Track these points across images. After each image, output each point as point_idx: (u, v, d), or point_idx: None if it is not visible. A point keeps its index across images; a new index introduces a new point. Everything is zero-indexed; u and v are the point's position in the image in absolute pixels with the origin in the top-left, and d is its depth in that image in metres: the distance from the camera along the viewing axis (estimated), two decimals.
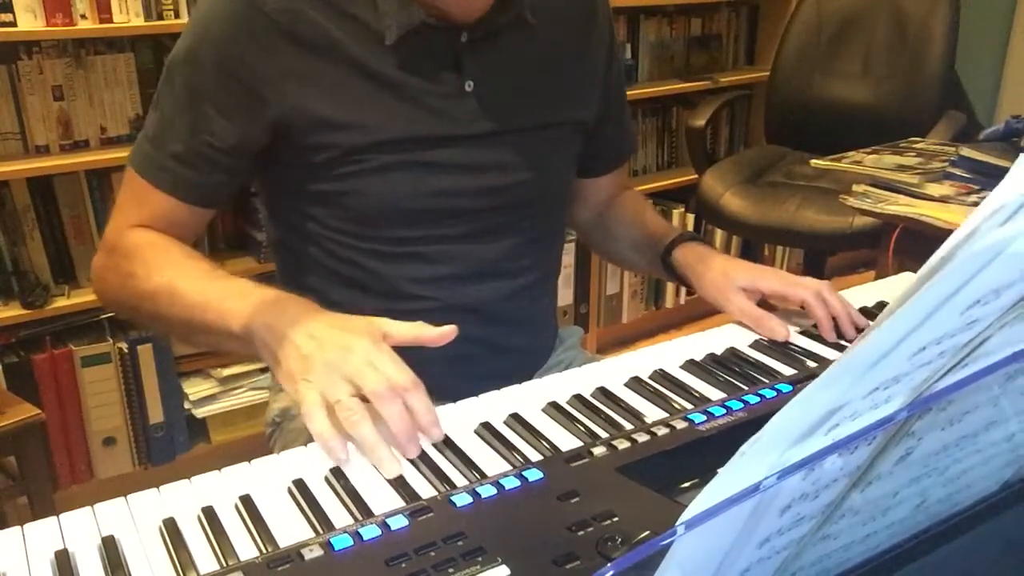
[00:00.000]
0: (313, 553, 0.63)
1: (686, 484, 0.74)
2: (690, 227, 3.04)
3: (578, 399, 0.86)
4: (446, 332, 0.82)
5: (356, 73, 0.95)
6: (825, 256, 2.74)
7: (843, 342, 0.99)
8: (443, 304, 1.04)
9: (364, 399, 0.77)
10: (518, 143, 1.03)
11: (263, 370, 2.27)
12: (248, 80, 0.94)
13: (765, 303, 1.05)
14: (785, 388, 0.87)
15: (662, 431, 0.78)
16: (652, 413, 0.84)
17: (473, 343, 1.06)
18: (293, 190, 1.02)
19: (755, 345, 0.98)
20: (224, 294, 0.88)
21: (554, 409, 0.84)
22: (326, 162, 0.97)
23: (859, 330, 1.01)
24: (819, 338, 1.00)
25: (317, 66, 0.94)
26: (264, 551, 0.64)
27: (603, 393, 0.87)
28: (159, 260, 0.94)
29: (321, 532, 0.66)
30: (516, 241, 1.07)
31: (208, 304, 0.88)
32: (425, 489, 0.72)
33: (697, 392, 0.87)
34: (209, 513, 0.69)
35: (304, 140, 0.96)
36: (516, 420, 0.82)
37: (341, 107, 0.95)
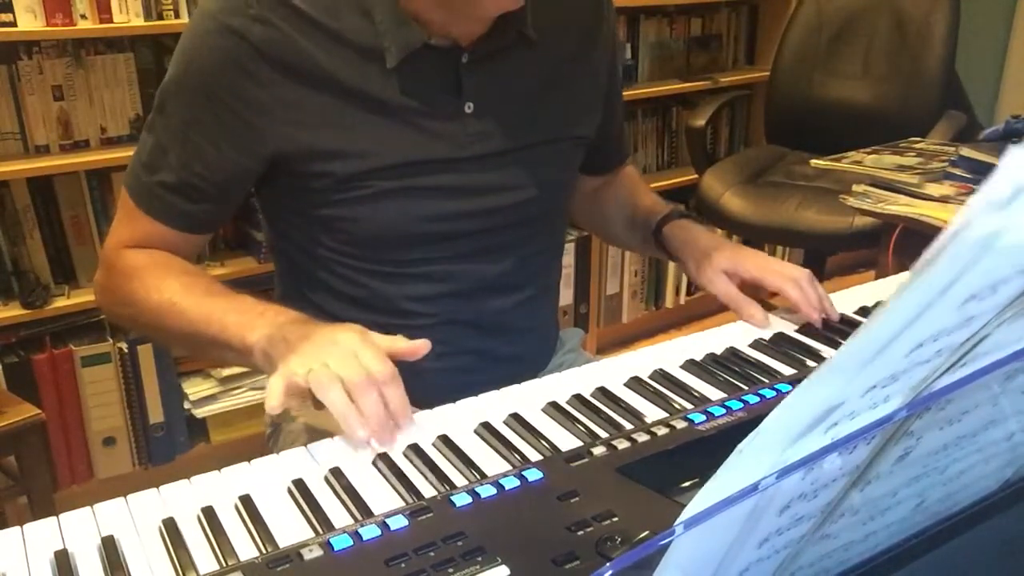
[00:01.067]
0: (313, 553, 0.63)
1: (686, 484, 0.74)
2: None
3: (578, 399, 0.86)
4: (418, 347, 0.84)
5: (350, 100, 0.93)
6: (825, 256, 2.74)
7: (843, 342, 0.99)
8: (443, 320, 1.04)
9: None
10: (519, 163, 1.02)
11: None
12: (240, 111, 0.93)
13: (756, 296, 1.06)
14: (785, 388, 0.87)
15: (662, 431, 0.79)
16: (652, 413, 0.84)
17: (474, 355, 1.06)
18: (291, 212, 1.02)
19: (755, 345, 0.98)
20: (224, 309, 0.90)
21: (554, 409, 0.84)
22: (323, 189, 0.96)
23: (830, 322, 1.02)
24: (819, 337, 0.99)
25: (309, 95, 0.92)
26: (264, 551, 0.65)
27: (603, 393, 0.87)
28: (158, 279, 0.96)
29: (321, 532, 0.66)
30: (517, 258, 1.06)
31: (210, 319, 0.90)
32: (425, 489, 0.72)
33: (697, 392, 0.87)
34: (209, 513, 0.69)
35: (300, 168, 0.95)
36: (516, 420, 0.82)
37: (336, 135, 0.94)
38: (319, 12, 0.91)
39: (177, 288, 0.94)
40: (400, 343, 0.83)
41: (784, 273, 1.03)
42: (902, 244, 1.55)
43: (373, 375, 0.78)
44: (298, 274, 1.07)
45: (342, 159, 0.94)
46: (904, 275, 1.21)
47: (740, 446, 0.36)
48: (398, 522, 0.66)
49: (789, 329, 1.02)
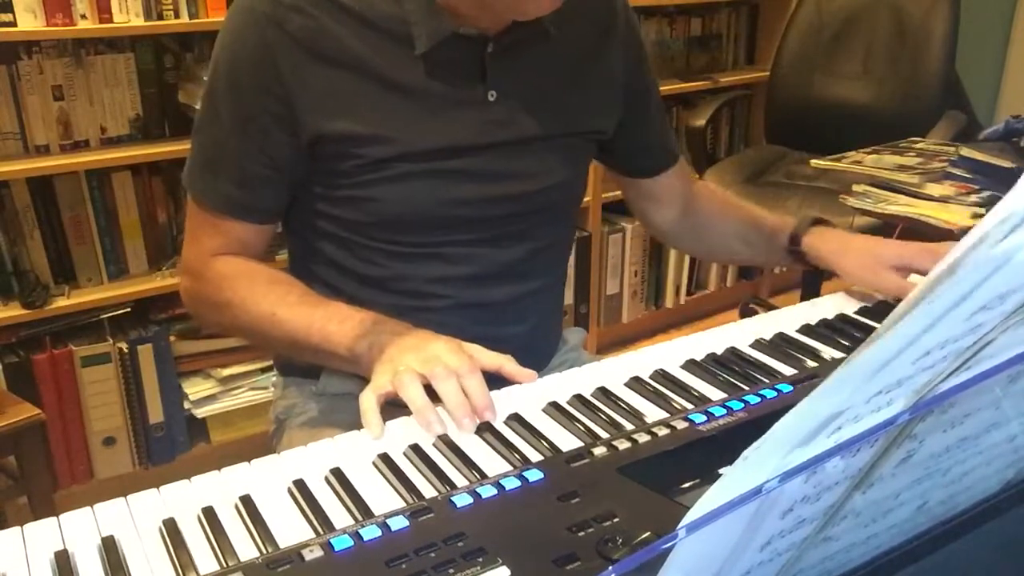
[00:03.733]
0: (313, 554, 0.63)
1: (687, 484, 0.74)
2: None
3: (578, 399, 0.86)
4: (527, 375, 0.87)
5: (381, 86, 0.96)
6: None
7: (844, 342, 0.99)
8: (457, 303, 1.06)
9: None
10: (538, 152, 1.05)
11: (263, 370, 2.27)
12: (284, 97, 0.96)
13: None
14: (785, 388, 0.87)
15: (662, 431, 0.78)
16: (652, 413, 0.84)
17: (482, 342, 1.07)
18: (312, 192, 1.03)
19: (755, 345, 0.98)
20: (324, 318, 0.94)
21: (554, 409, 0.84)
22: (349, 170, 0.98)
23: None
24: (819, 337, 0.99)
25: (342, 81, 0.96)
26: (264, 551, 0.64)
27: (603, 393, 0.87)
28: (252, 290, 0.99)
29: (321, 532, 0.66)
30: (531, 246, 1.08)
31: (311, 329, 0.94)
32: (425, 489, 0.72)
33: (697, 392, 0.87)
34: (209, 513, 0.69)
35: (331, 151, 0.98)
36: (516, 420, 0.82)
37: (366, 120, 0.96)
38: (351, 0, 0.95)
39: (273, 299, 0.98)
40: (511, 363, 0.87)
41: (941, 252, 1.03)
42: None
43: (452, 368, 0.82)
44: (312, 256, 1.09)
45: (372, 143, 0.97)
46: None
47: (745, 453, 0.36)
48: (399, 523, 0.66)
49: (789, 329, 1.02)
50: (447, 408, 0.81)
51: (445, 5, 0.95)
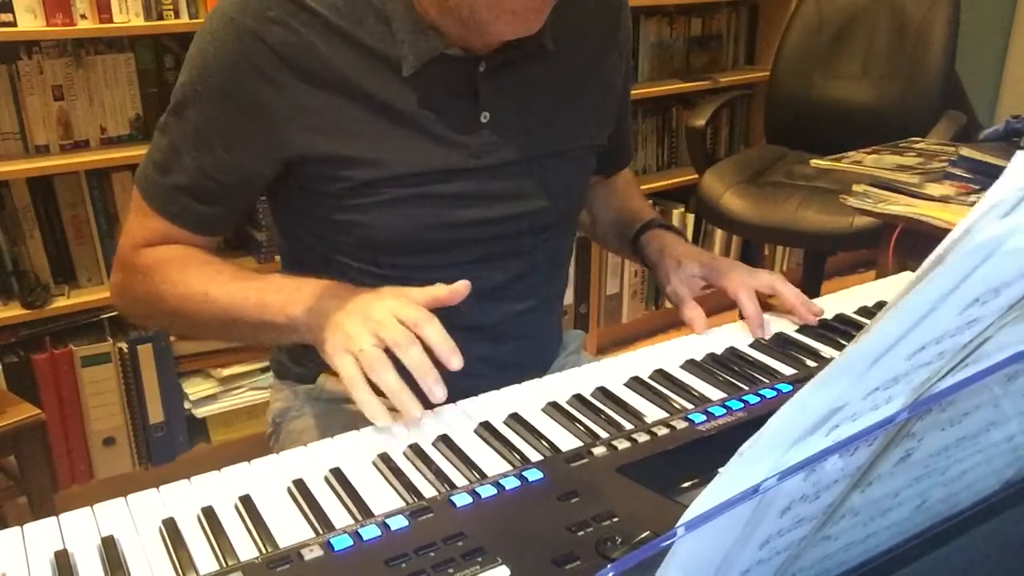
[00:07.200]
0: (313, 553, 0.63)
1: (686, 484, 0.74)
2: (690, 227, 3.04)
3: (578, 399, 0.86)
4: (459, 288, 0.85)
5: (368, 107, 0.93)
6: (825, 256, 2.74)
7: (843, 342, 0.99)
8: (451, 324, 1.03)
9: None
10: (533, 172, 1.01)
11: (263, 370, 2.27)
12: (256, 115, 0.92)
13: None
14: (785, 388, 0.87)
15: (662, 431, 0.78)
16: (652, 413, 0.84)
17: (480, 362, 1.05)
18: (303, 215, 1.01)
19: (755, 345, 0.98)
20: (260, 290, 0.92)
21: (554, 409, 0.84)
22: (338, 194, 0.95)
23: (827, 322, 1.02)
24: (819, 337, 1.00)
25: (326, 101, 0.92)
26: (264, 551, 0.64)
27: (603, 393, 0.87)
28: (180, 272, 0.96)
29: (321, 532, 0.66)
30: (526, 265, 1.05)
31: (246, 303, 0.92)
32: (425, 489, 0.72)
33: (697, 392, 0.87)
34: (209, 513, 0.69)
35: (315, 173, 0.95)
36: (516, 420, 0.82)
37: (353, 142, 0.93)
38: (338, 17, 0.90)
39: (204, 279, 0.95)
40: (441, 290, 0.86)
41: (738, 282, 1.03)
42: (902, 244, 1.55)
43: (409, 321, 0.81)
44: (304, 276, 1.07)
45: (358, 166, 0.94)
46: (905, 275, 1.20)
47: (741, 449, 0.36)
48: (398, 522, 0.66)
49: (789, 329, 1.02)
50: (415, 375, 0.79)
51: (432, 26, 0.91)
